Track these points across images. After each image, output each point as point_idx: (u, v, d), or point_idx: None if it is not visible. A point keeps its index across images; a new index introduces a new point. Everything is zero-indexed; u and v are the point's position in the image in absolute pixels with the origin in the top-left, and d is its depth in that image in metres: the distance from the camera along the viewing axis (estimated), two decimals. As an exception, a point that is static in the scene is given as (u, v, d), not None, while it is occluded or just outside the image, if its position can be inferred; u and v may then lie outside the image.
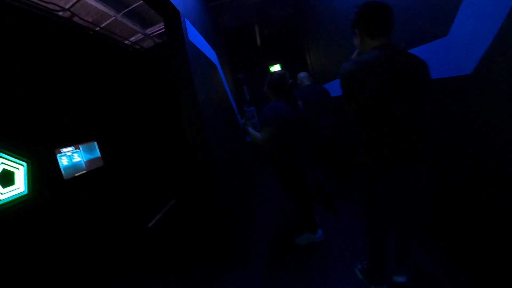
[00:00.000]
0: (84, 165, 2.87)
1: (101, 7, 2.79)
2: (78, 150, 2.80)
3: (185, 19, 1.81)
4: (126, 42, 3.83)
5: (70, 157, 2.65)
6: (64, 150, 2.58)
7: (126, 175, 3.64)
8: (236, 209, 2.20)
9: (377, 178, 1.23)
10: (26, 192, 2.06)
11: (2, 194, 1.89)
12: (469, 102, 1.25)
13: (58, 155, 2.48)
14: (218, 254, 2.20)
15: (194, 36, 2.00)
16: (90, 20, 2.98)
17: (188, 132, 1.73)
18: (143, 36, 3.82)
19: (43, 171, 2.21)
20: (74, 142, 2.75)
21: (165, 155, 4.20)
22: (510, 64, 1.02)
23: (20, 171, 2.04)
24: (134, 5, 3.06)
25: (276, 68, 5.69)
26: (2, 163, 1.93)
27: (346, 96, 1.22)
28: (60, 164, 2.49)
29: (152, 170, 4.06)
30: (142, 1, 2.44)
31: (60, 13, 2.63)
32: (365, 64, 1.13)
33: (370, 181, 1.26)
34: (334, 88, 3.12)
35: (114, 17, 3.07)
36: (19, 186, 2.02)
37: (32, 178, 2.10)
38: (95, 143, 3.14)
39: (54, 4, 2.49)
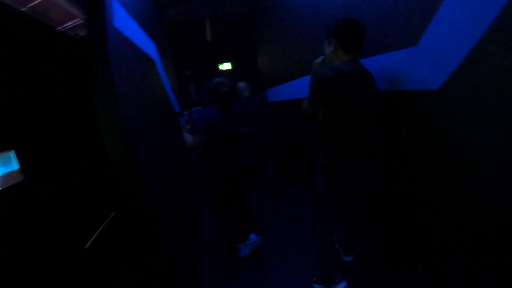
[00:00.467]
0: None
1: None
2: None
3: (114, 0, 1.40)
4: (61, 27, 3.04)
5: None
6: None
7: (55, 188, 2.88)
8: (181, 227, 1.86)
9: (338, 177, 1.35)
10: None
11: None
12: (430, 119, 1.21)
13: None
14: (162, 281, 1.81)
15: (125, 23, 1.58)
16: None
17: (104, 139, 1.32)
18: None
19: None
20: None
21: (103, 159, 3.47)
22: (480, 84, 0.95)
23: None
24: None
25: (226, 66, 5.37)
26: None
27: (315, 100, 1.29)
28: None
29: (87, 179, 3.35)
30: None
31: None
32: (343, 74, 1.21)
33: (331, 179, 1.37)
34: (284, 91, 3.14)
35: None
36: None
37: None
38: (12, 153, 2.37)
39: None
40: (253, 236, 2.13)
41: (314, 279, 1.69)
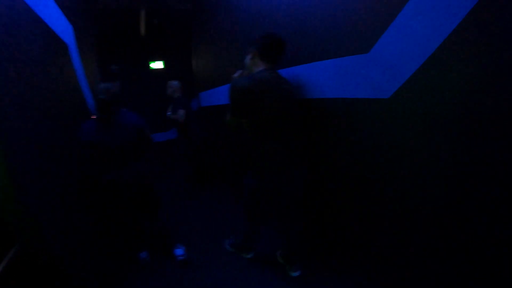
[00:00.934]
0: None
1: None
2: None
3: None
4: None
5: None
6: None
7: None
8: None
9: (267, 181, 1.45)
10: None
11: None
12: (379, 129, 1.21)
13: None
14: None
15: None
16: None
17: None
18: None
19: None
20: None
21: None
22: (431, 95, 0.97)
23: None
24: None
25: (158, 65, 4.88)
26: None
27: (237, 110, 1.33)
28: None
29: None
30: None
31: None
32: (260, 82, 1.28)
33: (260, 183, 1.49)
34: (217, 95, 3.05)
35: None
36: None
37: None
38: None
39: None
40: (142, 255, 2.01)
41: (229, 242, 1.96)
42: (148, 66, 4.81)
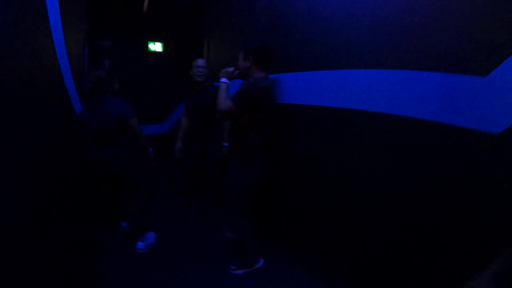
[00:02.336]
0: None
1: None
2: None
3: None
4: None
5: None
6: None
7: None
8: None
9: (254, 169, 1.70)
10: None
11: None
12: (481, 167, 1.03)
13: None
14: None
15: None
16: None
17: None
18: None
19: None
20: None
21: None
22: None
23: None
24: None
25: (156, 47, 4.35)
26: None
27: (248, 104, 1.59)
28: None
29: None
30: None
31: None
32: (267, 86, 1.67)
33: (250, 171, 1.70)
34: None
35: None
36: None
37: None
38: None
39: None
40: (123, 224, 2.26)
41: (234, 267, 1.84)
42: (147, 46, 4.27)
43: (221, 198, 2.62)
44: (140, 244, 2.10)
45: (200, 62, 2.42)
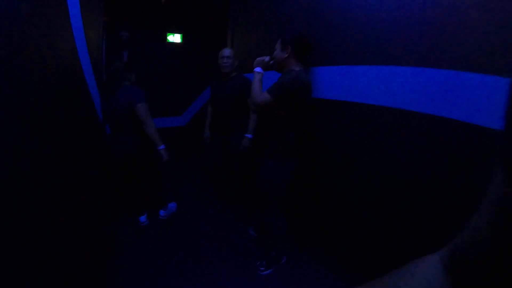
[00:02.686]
0: None
1: None
2: None
3: None
4: None
5: None
6: None
7: None
8: None
9: (290, 165, 1.65)
10: None
11: None
12: None
13: None
14: None
15: None
16: None
17: None
18: None
19: None
20: None
21: None
22: None
23: None
24: None
25: (176, 38, 4.24)
26: None
27: (288, 97, 1.49)
28: None
29: None
30: None
31: None
32: (309, 79, 1.61)
33: (287, 168, 1.65)
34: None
35: None
36: None
37: None
38: None
39: None
40: (141, 218, 2.31)
41: (262, 268, 1.83)
42: (165, 38, 4.17)
43: (243, 193, 2.67)
44: (162, 212, 2.38)
45: (226, 52, 2.28)
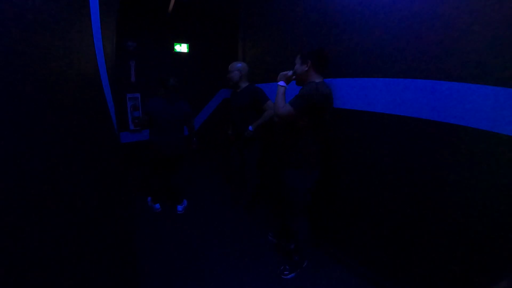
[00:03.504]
0: None
1: None
2: None
3: None
4: None
5: None
6: None
7: None
8: None
9: (312, 175, 1.73)
10: None
11: None
12: None
13: None
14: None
15: None
16: None
17: None
18: None
19: None
20: None
21: None
22: None
23: None
24: None
25: (182, 48, 4.24)
26: None
27: (309, 108, 1.56)
28: None
29: None
30: None
31: None
32: (329, 90, 1.61)
33: (309, 176, 1.72)
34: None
35: None
36: None
37: None
38: None
39: None
40: (157, 206, 2.73)
41: (286, 272, 1.88)
42: (172, 48, 4.17)
43: (259, 198, 2.83)
44: (180, 207, 2.70)
45: (229, 67, 2.46)
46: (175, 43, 4.11)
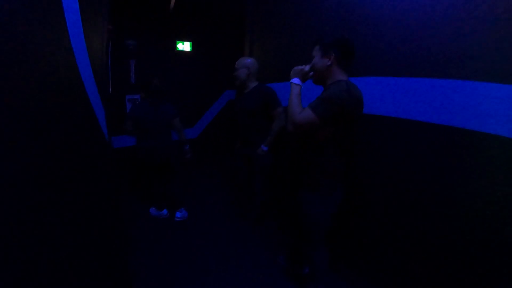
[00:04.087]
0: None
1: None
2: None
3: None
4: None
5: None
6: None
7: None
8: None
9: (334, 195, 1.39)
10: None
11: None
12: None
13: None
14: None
15: None
16: None
17: None
18: None
19: None
20: None
21: None
22: None
23: None
24: None
25: (185, 46, 4.00)
26: None
27: (335, 114, 1.18)
28: None
29: None
30: None
31: None
32: (360, 96, 1.25)
33: (327, 199, 1.37)
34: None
35: None
36: None
37: None
38: None
39: None
40: (164, 212, 2.62)
41: None
42: (175, 46, 3.93)
43: (266, 213, 2.53)
44: (178, 214, 2.58)
45: (236, 64, 2.16)
46: (177, 41, 3.89)
